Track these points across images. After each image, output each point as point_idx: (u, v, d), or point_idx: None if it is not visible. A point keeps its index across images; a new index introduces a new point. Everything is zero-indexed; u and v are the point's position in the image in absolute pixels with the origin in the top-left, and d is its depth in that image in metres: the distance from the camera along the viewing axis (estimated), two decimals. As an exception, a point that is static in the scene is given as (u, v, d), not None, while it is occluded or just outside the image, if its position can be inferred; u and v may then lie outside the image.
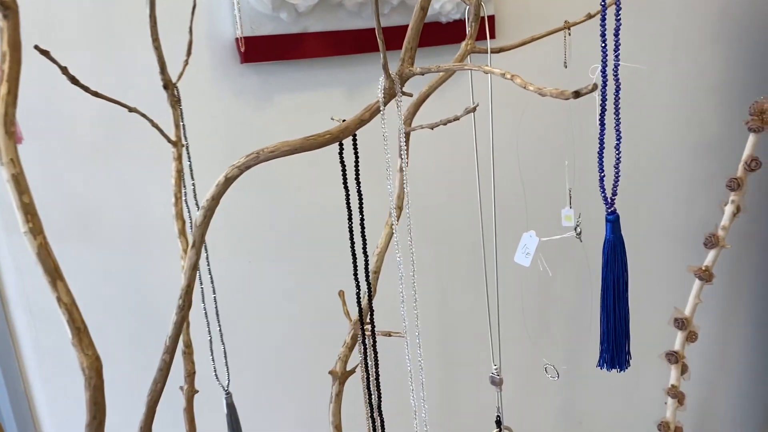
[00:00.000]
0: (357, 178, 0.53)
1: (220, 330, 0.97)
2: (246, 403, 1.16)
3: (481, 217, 0.78)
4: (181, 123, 0.83)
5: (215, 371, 0.98)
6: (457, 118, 0.68)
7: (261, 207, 1.13)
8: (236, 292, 1.13)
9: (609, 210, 0.53)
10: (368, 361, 0.70)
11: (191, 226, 0.86)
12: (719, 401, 1.73)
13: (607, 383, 1.54)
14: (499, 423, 0.84)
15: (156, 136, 0.77)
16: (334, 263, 1.20)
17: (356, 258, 0.57)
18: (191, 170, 0.86)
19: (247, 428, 1.03)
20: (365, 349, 0.70)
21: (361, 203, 0.55)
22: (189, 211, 0.85)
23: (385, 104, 0.54)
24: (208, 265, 0.91)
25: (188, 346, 0.85)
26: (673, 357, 1.21)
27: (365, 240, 0.57)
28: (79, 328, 0.51)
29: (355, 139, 0.53)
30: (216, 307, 0.92)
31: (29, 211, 0.47)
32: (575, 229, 0.55)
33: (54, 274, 0.49)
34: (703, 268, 1.13)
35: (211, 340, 0.95)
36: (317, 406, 1.27)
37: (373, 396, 0.64)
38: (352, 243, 0.56)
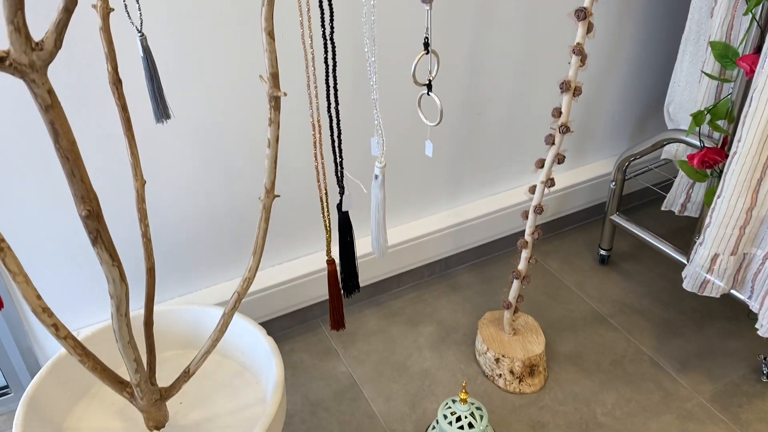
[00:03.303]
0: None
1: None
2: (163, 46, 1.08)
3: None
4: None
5: (126, 7, 0.90)
6: None
7: None
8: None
9: None
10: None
11: None
12: (605, 96, 1.86)
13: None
14: (426, 45, 0.84)
15: None
16: None
17: None
18: None
19: (165, 73, 0.98)
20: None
21: None
22: None
23: None
24: None
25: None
26: (582, 13, 1.24)
27: None
28: None
29: None
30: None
31: None
32: None
33: None
34: None
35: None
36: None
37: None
38: None
